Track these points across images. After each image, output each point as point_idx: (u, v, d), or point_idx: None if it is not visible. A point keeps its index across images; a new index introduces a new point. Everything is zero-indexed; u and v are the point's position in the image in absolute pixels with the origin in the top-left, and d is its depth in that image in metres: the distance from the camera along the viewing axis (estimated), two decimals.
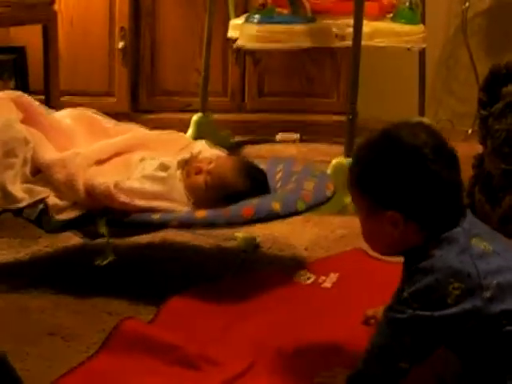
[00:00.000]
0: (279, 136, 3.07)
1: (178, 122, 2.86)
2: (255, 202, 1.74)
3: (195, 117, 2.90)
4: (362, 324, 1.57)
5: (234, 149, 2.83)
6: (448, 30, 3.30)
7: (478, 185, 1.98)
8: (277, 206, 1.72)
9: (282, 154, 2.85)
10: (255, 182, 1.86)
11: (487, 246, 1.25)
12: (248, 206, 1.71)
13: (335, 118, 3.04)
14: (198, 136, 2.63)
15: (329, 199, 1.84)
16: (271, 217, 1.71)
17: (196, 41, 3.05)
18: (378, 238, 1.31)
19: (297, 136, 3.06)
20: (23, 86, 2.85)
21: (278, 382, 1.41)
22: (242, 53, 3.06)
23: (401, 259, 1.81)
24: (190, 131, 2.86)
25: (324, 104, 3.14)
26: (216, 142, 2.10)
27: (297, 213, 1.76)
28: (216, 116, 2.97)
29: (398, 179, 1.24)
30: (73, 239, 2.00)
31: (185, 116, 2.95)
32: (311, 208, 1.79)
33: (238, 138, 3.03)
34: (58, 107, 2.11)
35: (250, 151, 2.91)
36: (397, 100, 3.11)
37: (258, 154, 2.80)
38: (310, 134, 3.07)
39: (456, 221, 1.26)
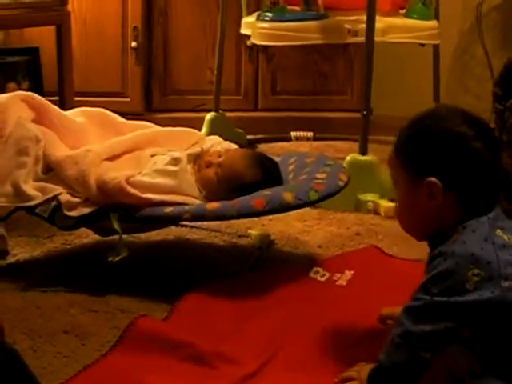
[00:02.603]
0: (293, 134, 3.06)
1: (192, 121, 2.85)
2: (267, 192, 1.73)
3: (209, 116, 2.89)
4: (377, 322, 1.56)
5: (247, 147, 2.82)
6: (462, 26, 3.28)
7: None
8: (289, 197, 1.71)
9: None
10: (267, 172, 1.85)
11: (511, 239, 1.25)
12: (259, 197, 1.71)
13: (349, 115, 3.02)
14: (211, 135, 2.62)
15: (341, 189, 1.82)
16: (283, 207, 1.70)
17: (208, 39, 3.05)
18: (412, 213, 1.32)
19: (311, 134, 3.05)
20: (37, 87, 2.85)
21: (294, 379, 1.40)
22: (254, 50, 3.05)
23: (416, 257, 1.80)
24: (204, 130, 2.85)
25: (338, 101, 3.12)
26: (230, 140, 2.10)
27: (309, 203, 1.75)
28: (229, 114, 2.96)
29: (439, 152, 1.27)
30: (87, 237, 2.01)
31: (198, 115, 2.95)
32: (323, 198, 1.77)
33: (251, 137, 3.02)
34: (72, 108, 2.10)
35: (264, 149, 2.90)
36: (411, 96, 3.08)
37: (272, 152, 2.79)
38: (323, 131, 3.05)
39: (490, 206, 1.28)
